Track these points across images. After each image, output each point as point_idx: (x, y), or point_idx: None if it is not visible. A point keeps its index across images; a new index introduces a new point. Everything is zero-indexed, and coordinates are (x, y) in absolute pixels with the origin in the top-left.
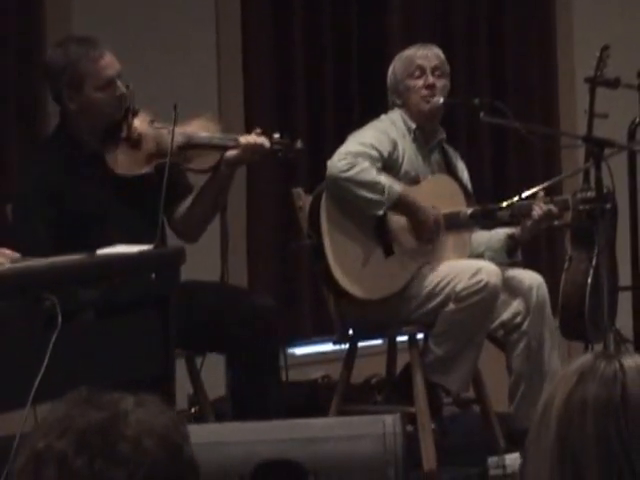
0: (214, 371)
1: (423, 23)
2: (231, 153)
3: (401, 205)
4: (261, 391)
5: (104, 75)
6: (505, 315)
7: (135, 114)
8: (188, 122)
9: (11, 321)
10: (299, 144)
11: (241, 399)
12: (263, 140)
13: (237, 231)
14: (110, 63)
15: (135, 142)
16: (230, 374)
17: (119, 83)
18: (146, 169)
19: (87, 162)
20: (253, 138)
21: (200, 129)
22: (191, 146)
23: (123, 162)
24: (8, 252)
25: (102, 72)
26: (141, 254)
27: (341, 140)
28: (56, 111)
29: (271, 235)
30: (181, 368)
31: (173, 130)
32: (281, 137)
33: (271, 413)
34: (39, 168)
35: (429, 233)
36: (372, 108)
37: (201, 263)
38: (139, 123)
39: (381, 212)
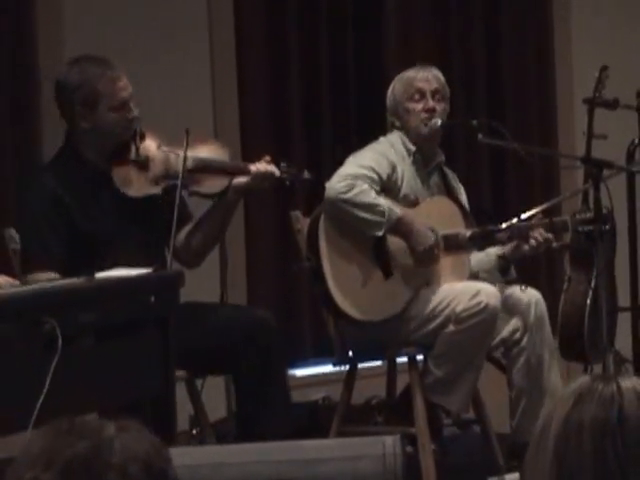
0: (214, 393)
1: (419, 47)
2: (240, 179)
3: (400, 228)
4: (267, 409)
5: (120, 96)
6: (504, 332)
7: (142, 137)
8: (197, 147)
9: (11, 345)
10: (306, 174)
11: (247, 418)
12: (273, 168)
13: (236, 254)
14: (126, 85)
15: (143, 164)
16: (235, 392)
17: (132, 106)
18: (154, 190)
19: (94, 181)
20: (263, 166)
21: (209, 154)
22: (200, 170)
23: (131, 182)
24: (7, 279)
25: (118, 93)
26: (140, 277)
27: (338, 162)
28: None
29: (270, 257)
30: (182, 390)
31: (185, 153)
32: (288, 166)
33: (277, 432)
34: (47, 184)
35: (427, 257)
36: (370, 129)
37: (200, 286)
38: (147, 146)
39: (380, 233)
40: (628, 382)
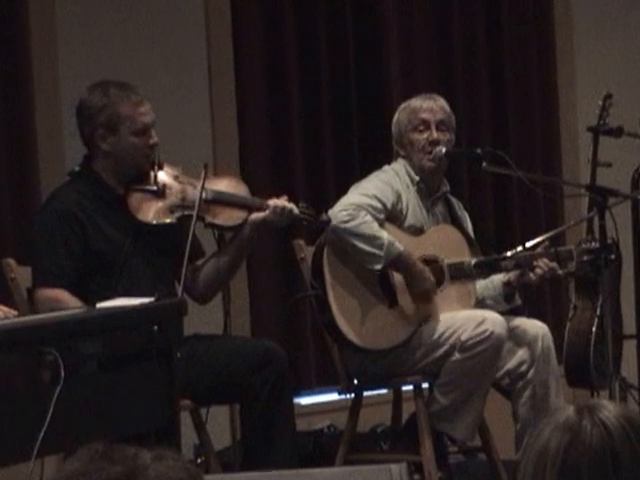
0: (219, 422)
1: (423, 76)
2: (257, 214)
3: (400, 264)
4: (276, 439)
5: (142, 121)
6: (510, 364)
7: (160, 166)
8: (216, 181)
9: (14, 375)
10: (325, 216)
11: (255, 447)
12: (292, 205)
13: (238, 283)
14: (148, 110)
15: (159, 192)
16: (242, 422)
17: (153, 132)
18: (168, 219)
19: (110, 204)
20: (281, 202)
21: (228, 188)
22: (218, 202)
23: (146, 209)
24: (6, 309)
25: (140, 117)
26: (142, 306)
27: (341, 190)
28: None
29: (273, 286)
30: (186, 419)
31: (202, 185)
32: (307, 207)
33: (285, 462)
34: (64, 202)
35: (423, 298)
36: (373, 156)
37: (203, 317)
38: (164, 175)
39: (379, 267)
40: (610, 414)
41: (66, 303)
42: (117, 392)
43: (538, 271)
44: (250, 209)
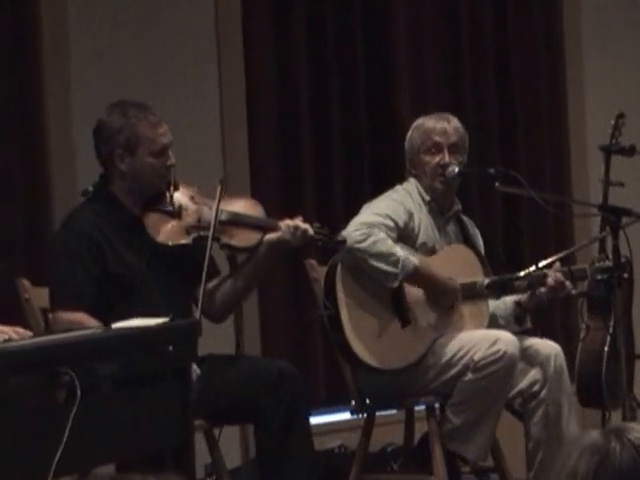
0: (229, 441)
1: (433, 95)
2: (272, 235)
3: (418, 277)
4: (291, 459)
5: (160, 141)
6: (523, 384)
7: (177, 187)
8: (232, 201)
9: (31, 396)
10: (340, 237)
11: (270, 468)
12: (307, 226)
13: (249, 302)
14: (166, 131)
15: (175, 213)
16: (257, 442)
17: (170, 153)
18: (184, 240)
19: (127, 225)
20: (296, 222)
21: (244, 209)
22: (233, 223)
23: (162, 230)
24: (21, 331)
25: (159, 138)
26: (157, 327)
27: (350, 209)
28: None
29: (283, 305)
30: (198, 438)
31: (218, 204)
32: (321, 227)
33: None
34: (82, 224)
35: (447, 304)
36: (383, 175)
37: (215, 336)
38: (180, 196)
39: (395, 284)
40: (639, 435)
41: (87, 326)
42: (132, 412)
43: (549, 280)
44: (265, 230)
